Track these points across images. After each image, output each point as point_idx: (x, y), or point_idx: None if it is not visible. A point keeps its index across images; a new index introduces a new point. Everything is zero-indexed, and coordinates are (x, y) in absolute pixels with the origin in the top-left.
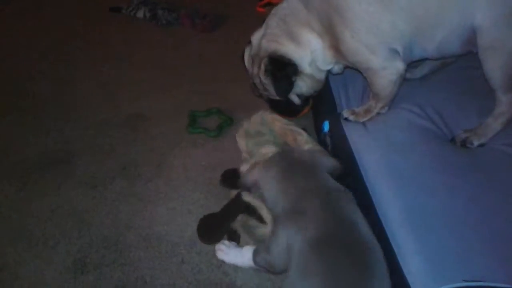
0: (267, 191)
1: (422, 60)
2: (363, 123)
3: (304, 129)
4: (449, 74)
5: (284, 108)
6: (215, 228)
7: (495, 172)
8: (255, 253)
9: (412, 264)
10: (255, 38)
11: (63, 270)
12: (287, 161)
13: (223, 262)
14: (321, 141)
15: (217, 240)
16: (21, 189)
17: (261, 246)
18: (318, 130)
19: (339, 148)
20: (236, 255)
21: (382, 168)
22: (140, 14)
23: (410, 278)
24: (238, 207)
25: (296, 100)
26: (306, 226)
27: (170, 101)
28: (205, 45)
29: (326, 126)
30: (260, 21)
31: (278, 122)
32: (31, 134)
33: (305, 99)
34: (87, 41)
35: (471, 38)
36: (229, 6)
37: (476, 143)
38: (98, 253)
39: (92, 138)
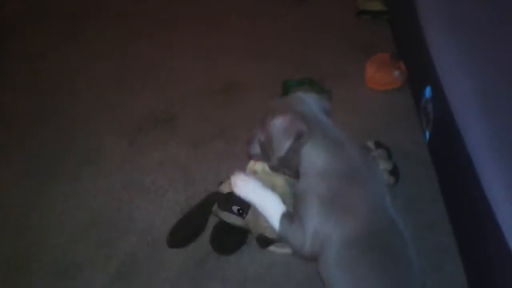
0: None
1: None
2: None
3: None
4: None
5: None
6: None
7: None
8: (283, 221)
9: None
10: None
11: (172, 216)
12: (326, 133)
13: None
14: (421, 109)
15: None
16: (130, 144)
17: (291, 216)
18: (418, 96)
19: (442, 116)
20: (255, 193)
21: (488, 141)
22: None
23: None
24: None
25: None
26: (344, 223)
27: (263, 69)
28: (297, 15)
29: (428, 92)
30: None
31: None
32: (138, 94)
33: None
34: (185, 4)
35: None
36: None
37: None
38: None
39: (193, 100)
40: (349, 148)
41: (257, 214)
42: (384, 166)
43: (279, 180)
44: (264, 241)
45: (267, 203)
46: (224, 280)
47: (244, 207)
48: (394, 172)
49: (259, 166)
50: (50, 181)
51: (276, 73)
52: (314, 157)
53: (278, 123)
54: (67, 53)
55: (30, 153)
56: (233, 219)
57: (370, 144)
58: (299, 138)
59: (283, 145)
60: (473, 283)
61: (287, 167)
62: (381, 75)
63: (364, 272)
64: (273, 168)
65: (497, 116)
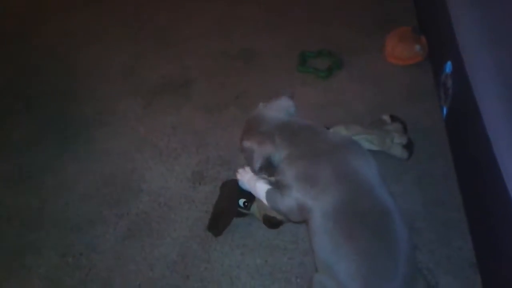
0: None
1: None
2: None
3: None
4: None
5: None
6: (223, 219)
7: None
8: (268, 195)
9: None
10: None
11: (184, 179)
12: (290, 129)
13: None
14: (440, 84)
15: (221, 230)
16: (145, 107)
17: (274, 191)
18: (438, 71)
19: (461, 92)
20: (250, 183)
21: (506, 119)
22: None
23: None
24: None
25: None
26: (321, 197)
27: (280, 39)
28: None
29: (448, 67)
30: None
31: None
32: (154, 59)
33: None
34: None
35: None
36: None
37: None
38: (214, 169)
39: (208, 67)
40: (314, 135)
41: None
42: (399, 140)
43: None
44: (269, 221)
45: (257, 188)
46: (233, 244)
47: (249, 199)
48: (408, 146)
49: None
50: (64, 142)
51: (293, 44)
52: (284, 159)
53: (247, 147)
54: (85, 17)
55: (45, 115)
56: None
57: (386, 118)
58: (267, 159)
59: (255, 166)
60: (482, 259)
61: (266, 172)
62: (402, 49)
63: (340, 240)
64: (255, 173)
65: None
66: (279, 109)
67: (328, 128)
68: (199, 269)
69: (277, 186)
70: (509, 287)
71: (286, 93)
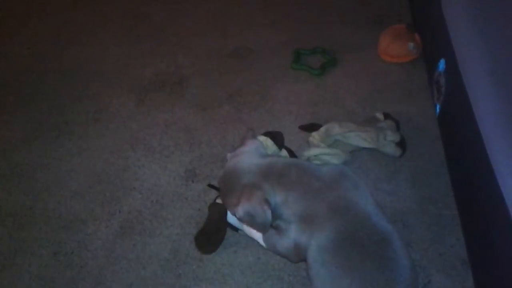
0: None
1: None
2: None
3: None
4: None
5: None
6: (213, 238)
7: None
8: (265, 238)
9: None
10: None
11: (176, 176)
12: (275, 171)
13: None
14: (433, 81)
15: (216, 248)
16: (139, 104)
17: (272, 233)
18: (431, 69)
19: (454, 89)
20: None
21: (499, 117)
22: None
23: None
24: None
25: None
26: (316, 233)
27: (275, 36)
28: None
29: (441, 65)
30: None
31: None
32: (148, 56)
33: None
34: None
35: None
36: None
37: None
38: (207, 167)
39: (202, 65)
40: (303, 173)
41: None
42: (392, 137)
43: None
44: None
45: (252, 230)
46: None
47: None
48: (401, 144)
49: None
50: (56, 139)
51: (288, 41)
52: (281, 204)
53: (247, 209)
54: (79, 14)
55: (38, 112)
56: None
57: (379, 115)
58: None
59: (266, 223)
60: (474, 256)
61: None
62: (395, 47)
63: (339, 272)
64: (266, 230)
65: (510, 93)
66: (251, 152)
67: (321, 126)
68: (192, 267)
69: (275, 228)
70: (501, 283)
71: (248, 134)
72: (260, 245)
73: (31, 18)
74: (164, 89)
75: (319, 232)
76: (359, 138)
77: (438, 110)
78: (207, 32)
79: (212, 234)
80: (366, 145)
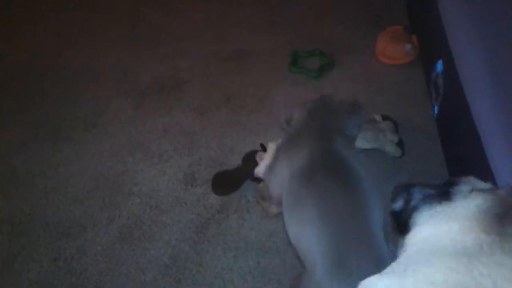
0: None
1: None
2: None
3: None
4: None
5: None
6: (228, 183)
7: None
8: (265, 169)
9: None
10: None
11: (175, 181)
12: (316, 104)
13: None
14: (431, 83)
15: (228, 193)
16: (137, 108)
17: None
18: (429, 70)
19: (452, 90)
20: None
21: (497, 118)
22: None
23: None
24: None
25: None
26: (293, 159)
27: (273, 39)
28: None
29: (439, 66)
30: None
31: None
32: (146, 60)
33: None
34: None
35: None
36: None
37: None
38: (206, 170)
39: (200, 68)
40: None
41: None
42: (391, 137)
43: None
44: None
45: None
46: (225, 246)
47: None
48: (399, 145)
49: None
50: (55, 144)
51: (285, 43)
52: None
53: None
54: (77, 17)
55: (36, 117)
56: None
57: (377, 117)
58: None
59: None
60: None
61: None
62: (393, 49)
63: (304, 200)
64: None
65: (508, 93)
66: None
67: None
68: (191, 272)
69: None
70: None
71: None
72: (259, 250)
73: (28, 22)
74: (162, 92)
75: (293, 159)
76: (359, 138)
77: (436, 111)
78: (204, 35)
79: (233, 179)
80: (367, 145)
